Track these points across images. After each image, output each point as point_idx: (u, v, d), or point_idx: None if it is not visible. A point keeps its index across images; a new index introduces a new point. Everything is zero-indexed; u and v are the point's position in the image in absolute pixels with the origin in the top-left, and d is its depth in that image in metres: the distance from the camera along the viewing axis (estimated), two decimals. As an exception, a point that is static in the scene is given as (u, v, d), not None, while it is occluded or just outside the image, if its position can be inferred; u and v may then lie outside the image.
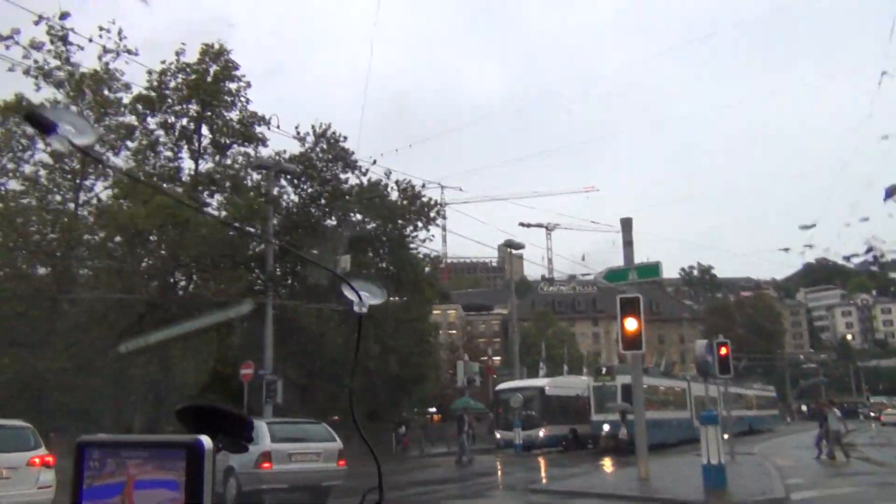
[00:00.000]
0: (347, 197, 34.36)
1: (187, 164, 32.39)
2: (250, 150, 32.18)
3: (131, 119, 31.98)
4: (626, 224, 18.68)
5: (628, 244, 18.31)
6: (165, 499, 1.15)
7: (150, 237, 28.77)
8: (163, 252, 30.69)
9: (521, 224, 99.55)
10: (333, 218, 34.39)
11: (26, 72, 29.31)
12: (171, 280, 31.14)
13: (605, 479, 20.31)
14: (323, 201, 34.07)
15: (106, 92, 30.97)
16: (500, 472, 24.09)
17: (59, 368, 28.33)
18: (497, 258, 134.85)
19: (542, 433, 33.43)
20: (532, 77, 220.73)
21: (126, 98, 31.40)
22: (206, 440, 1.14)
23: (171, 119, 31.62)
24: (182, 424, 1.31)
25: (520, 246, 42.88)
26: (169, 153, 32.07)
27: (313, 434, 14.63)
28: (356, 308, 1.41)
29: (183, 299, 31.07)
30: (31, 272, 30.15)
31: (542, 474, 22.97)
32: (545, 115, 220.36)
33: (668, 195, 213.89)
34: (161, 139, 31.94)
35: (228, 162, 31.56)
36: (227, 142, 31.57)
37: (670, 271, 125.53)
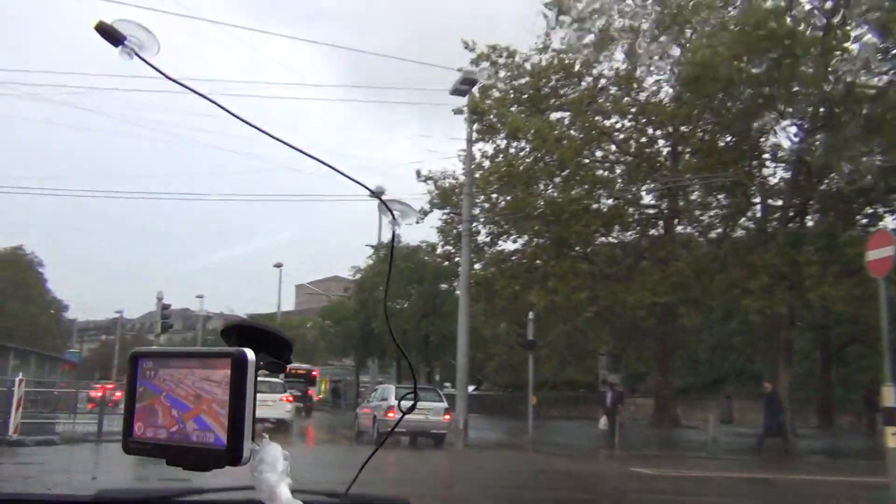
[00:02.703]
0: None
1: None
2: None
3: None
4: None
5: None
6: (211, 407, 1.16)
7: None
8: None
9: None
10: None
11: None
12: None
13: None
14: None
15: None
16: None
17: (650, 303, 20.96)
18: None
19: None
20: None
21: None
22: (250, 352, 1.14)
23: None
24: (226, 343, 1.24)
25: None
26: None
27: (427, 396, 19.83)
28: (390, 226, 1.32)
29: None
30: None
31: None
32: None
33: None
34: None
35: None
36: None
37: None
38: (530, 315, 21.47)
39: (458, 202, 27.46)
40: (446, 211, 28.47)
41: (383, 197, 1.27)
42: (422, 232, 52.26)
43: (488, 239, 27.53)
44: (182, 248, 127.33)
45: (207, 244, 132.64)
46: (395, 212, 1.28)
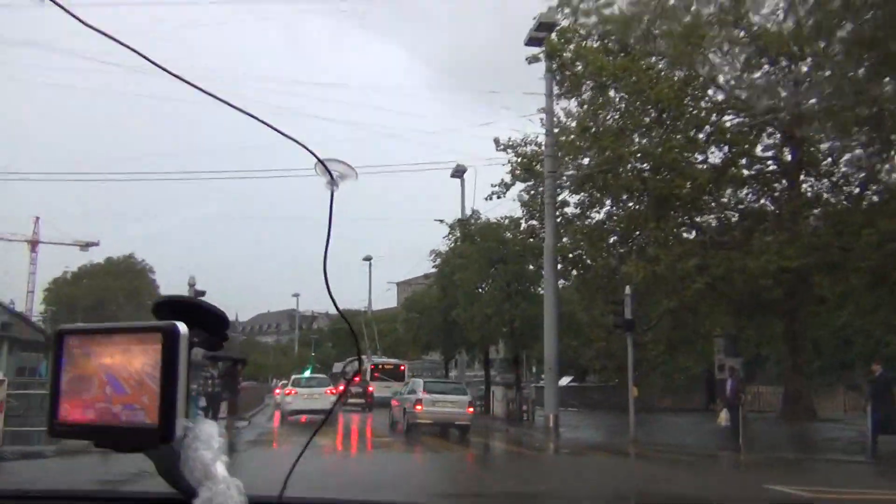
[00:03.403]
0: None
1: None
2: None
3: None
4: None
5: None
6: (143, 383, 1.10)
7: None
8: None
9: None
10: None
11: None
12: None
13: None
14: None
15: None
16: None
17: (776, 270, 17.07)
18: None
19: None
20: None
21: None
22: (182, 326, 1.10)
23: None
24: (158, 318, 1.20)
25: None
26: None
27: (453, 390, 21.83)
28: (327, 187, 1.27)
29: None
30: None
31: None
32: None
33: None
34: None
35: None
36: None
37: None
38: (627, 290, 17.88)
39: (541, 171, 24.19)
40: (529, 182, 25.26)
41: (322, 157, 1.20)
42: (503, 207, 47.78)
43: (577, 210, 24.17)
44: (275, 243, 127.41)
45: (302, 238, 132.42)
46: (333, 173, 1.23)
